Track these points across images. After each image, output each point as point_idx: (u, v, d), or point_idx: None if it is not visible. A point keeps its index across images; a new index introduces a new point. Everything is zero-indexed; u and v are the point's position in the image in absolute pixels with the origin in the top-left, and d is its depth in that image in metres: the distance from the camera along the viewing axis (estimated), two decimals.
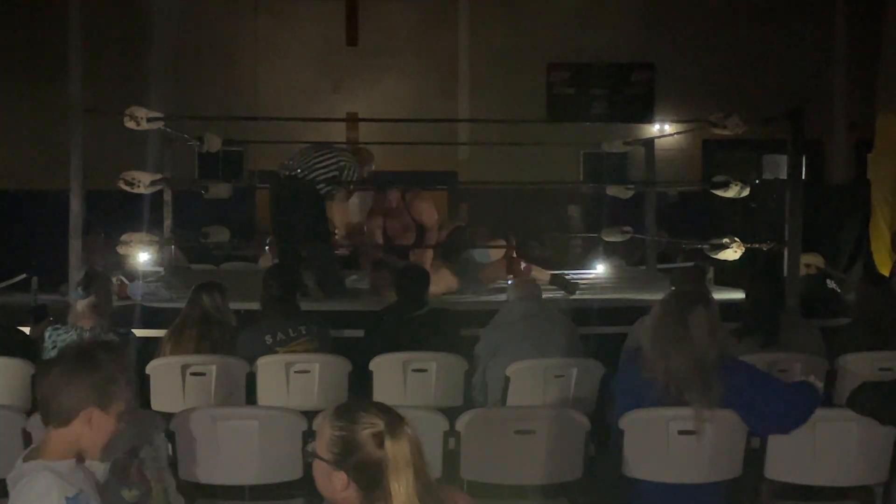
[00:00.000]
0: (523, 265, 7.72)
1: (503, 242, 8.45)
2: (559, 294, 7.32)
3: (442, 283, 7.27)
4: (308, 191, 7.07)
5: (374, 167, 7.85)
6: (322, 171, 7.11)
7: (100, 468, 2.74)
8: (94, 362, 2.71)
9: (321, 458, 2.35)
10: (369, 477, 2.30)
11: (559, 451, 3.86)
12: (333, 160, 7.20)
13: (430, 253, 7.83)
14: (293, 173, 7.14)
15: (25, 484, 2.63)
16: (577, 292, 7.51)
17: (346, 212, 7.82)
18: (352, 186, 7.49)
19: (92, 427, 2.69)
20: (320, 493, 2.42)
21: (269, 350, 5.05)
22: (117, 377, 2.73)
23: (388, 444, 2.29)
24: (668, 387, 3.61)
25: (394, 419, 2.35)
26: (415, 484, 2.29)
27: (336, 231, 7.71)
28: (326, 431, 2.36)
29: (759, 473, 3.81)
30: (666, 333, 3.65)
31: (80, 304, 4.98)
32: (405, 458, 2.29)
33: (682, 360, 3.59)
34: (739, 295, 6.00)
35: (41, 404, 2.75)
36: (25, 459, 2.70)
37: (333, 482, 2.33)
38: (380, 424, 2.32)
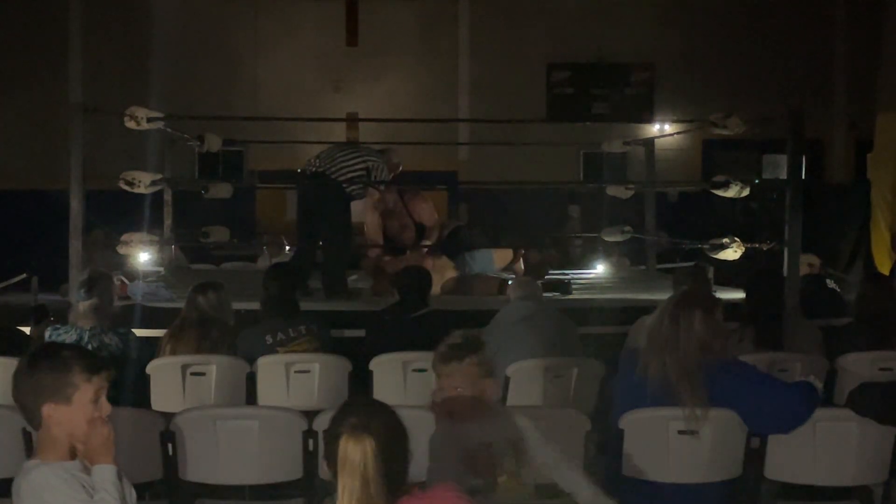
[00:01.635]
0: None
1: (508, 249, 8.44)
2: (556, 294, 7.33)
3: (444, 273, 7.29)
4: (333, 189, 7.04)
5: (401, 167, 7.84)
6: (348, 170, 7.09)
7: (103, 473, 2.71)
8: (37, 359, 2.73)
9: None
10: (336, 471, 2.37)
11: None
12: (360, 160, 7.17)
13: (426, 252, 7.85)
14: (318, 170, 7.11)
15: (23, 481, 2.67)
16: (574, 292, 7.52)
17: (377, 219, 7.83)
18: (382, 187, 7.47)
19: (61, 423, 2.68)
20: (321, 493, 2.46)
21: (270, 350, 5.05)
22: (66, 367, 2.70)
23: (342, 443, 2.35)
24: (662, 387, 3.61)
25: (360, 423, 2.38)
26: (360, 492, 2.32)
27: (367, 237, 7.74)
28: None
29: (759, 473, 3.81)
30: (660, 334, 3.66)
31: (82, 305, 4.99)
32: (353, 464, 2.33)
33: (673, 362, 3.60)
34: (739, 295, 6.00)
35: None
36: (28, 458, 2.74)
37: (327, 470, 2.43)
38: (348, 424, 2.35)
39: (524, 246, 8.61)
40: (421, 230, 7.98)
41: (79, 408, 2.69)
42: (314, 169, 7.17)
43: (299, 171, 7.28)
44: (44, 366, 2.70)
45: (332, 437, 2.39)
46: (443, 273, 7.38)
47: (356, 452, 2.34)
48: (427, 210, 7.97)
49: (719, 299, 3.91)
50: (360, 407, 2.46)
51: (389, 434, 2.41)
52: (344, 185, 7.07)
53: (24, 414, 2.74)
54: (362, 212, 8.06)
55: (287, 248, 9.55)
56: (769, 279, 5.61)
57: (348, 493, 2.33)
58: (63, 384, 2.68)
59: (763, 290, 5.34)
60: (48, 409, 2.67)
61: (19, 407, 2.75)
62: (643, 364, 3.68)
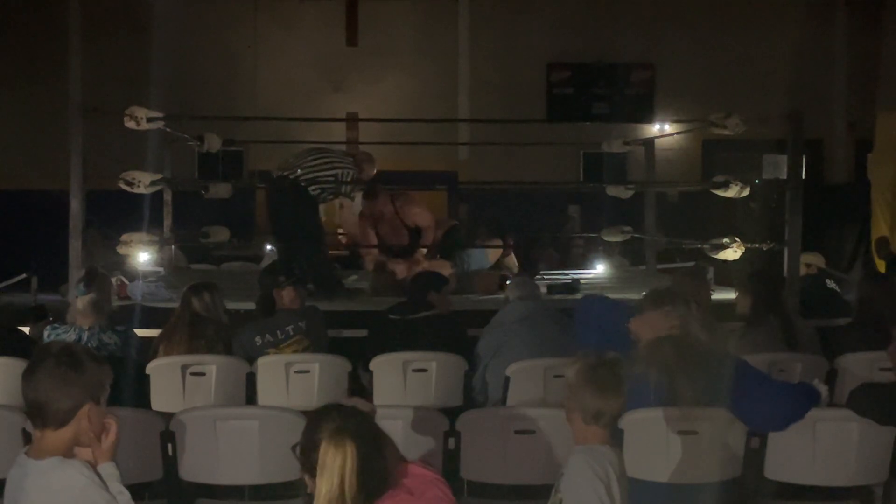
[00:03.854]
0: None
1: (500, 242, 8.45)
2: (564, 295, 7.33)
3: (442, 273, 7.30)
4: (299, 192, 7.04)
5: (375, 171, 7.82)
6: (317, 173, 7.09)
7: (111, 469, 2.77)
8: (79, 361, 2.74)
9: (297, 459, 2.43)
10: (314, 477, 2.39)
11: (559, 451, 3.85)
12: (328, 162, 7.17)
13: (421, 252, 7.84)
14: (286, 174, 7.12)
15: (44, 479, 2.66)
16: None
17: (354, 218, 7.81)
18: (350, 190, 7.43)
19: (91, 421, 2.72)
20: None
21: (259, 351, 5.05)
22: (99, 368, 2.78)
23: (322, 449, 2.36)
24: (655, 386, 3.61)
25: (339, 428, 2.39)
26: (338, 490, 2.34)
27: (342, 235, 7.69)
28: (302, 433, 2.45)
29: (759, 473, 3.81)
30: (643, 335, 3.69)
31: (81, 301, 4.98)
32: (332, 467, 2.35)
33: (660, 360, 3.60)
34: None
35: (35, 409, 2.74)
36: (36, 457, 2.71)
37: (307, 484, 2.41)
38: (330, 427, 2.37)
39: (515, 240, 8.60)
40: (417, 232, 7.96)
41: (103, 408, 2.77)
42: (280, 173, 7.17)
43: (275, 176, 7.27)
44: (90, 365, 2.74)
45: (311, 444, 2.40)
46: (441, 272, 7.38)
47: (337, 457, 2.36)
48: (420, 213, 7.94)
49: (693, 299, 3.92)
50: (336, 413, 2.47)
51: (367, 437, 2.44)
52: (311, 189, 7.07)
53: (54, 415, 2.69)
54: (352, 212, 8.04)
55: None
56: (768, 280, 5.57)
57: (325, 497, 2.35)
58: (101, 384, 2.76)
59: (762, 292, 5.32)
60: (88, 409, 2.71)
61: (45, 403, 2.69)
62: (630, 365, 3.68)
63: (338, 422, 2.41)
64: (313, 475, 2.38)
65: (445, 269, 7.59)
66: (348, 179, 7.21)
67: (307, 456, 2.40)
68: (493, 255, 8.18)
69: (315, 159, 7.19)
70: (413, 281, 5.68)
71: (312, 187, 7.09)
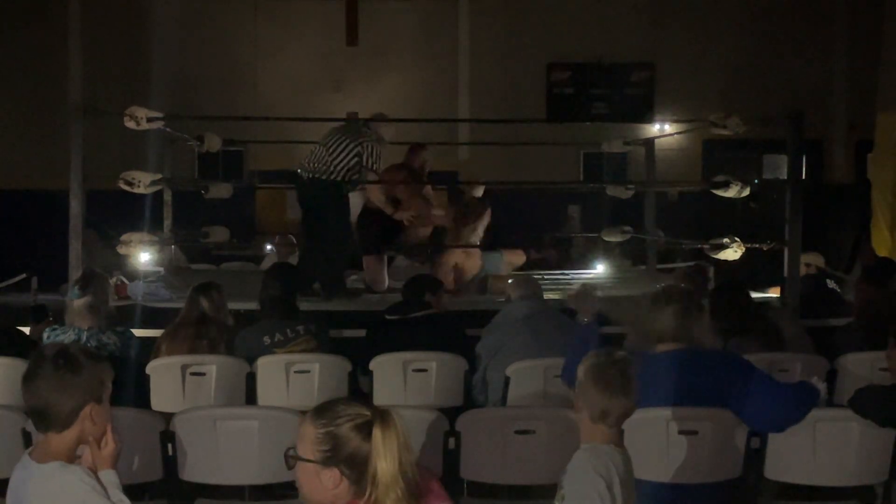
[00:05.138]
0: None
1: (519, 251, 8.40)
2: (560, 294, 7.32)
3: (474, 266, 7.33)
4: (329, 192, 6.99)
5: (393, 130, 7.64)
6: (341, 166, 7.01)
7: (111, 476, 2.77)
8: (77, 362, 2.72)
9: (307, 460, 2.35)
10: (360, 467, 2.31)
11: (559, 451, 3.85)
12: (348, 149, 7.05)
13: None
14: (314, 176, 7.04)
15: (45, 483, 2.66)
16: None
17: (380, 190, 7.64)
18: (375, 167, 7.26)
19: (94, 421, 2.72)
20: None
21: (267, 351, 5.04)
22: (97, 367, 2.77)
23: (377, 431, 2.31)
24: (651, 386, 3.62)
25: (382, 409, 2.36)
26: (399, 466, 2.30)
27: (377, 207, 7.56)
28: (310, 432, 2.37)
29: (759, 473, 3.81)
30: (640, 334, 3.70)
31: (76, 303, 4.97)
32: (392, 445, 2.31)
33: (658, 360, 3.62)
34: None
35: (36, 414, 2.74)
36: (39, 460, 2.70)
37: (324, 482, 2.34)
38: (366, 414, 2.34)
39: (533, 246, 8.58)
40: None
41: (106, 407, 2.76)
42: (309, 175, 7.10)
43: (298, 171, 7.22)
44: (88, 365, 2.73)
45: (339, 437, 2.32)
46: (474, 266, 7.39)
47: (391, 433, 2.31)
48: (430, 191, 7.95)
49: (690, 291, 3.93)
50: (353, 402, 2.42)
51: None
52: (341, 183, 7.01)
53: (56, 418, 2.69)
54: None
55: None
56: (725, 296, 5.46)
57: (384, 479, 2.29)
58: (101, 383, 2.75)
59: (722, 308, 5.25)
60: (89, 409, 2.70)
61: (45, 407, 2.69)
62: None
63: (365, 408, 2.36)
64: (349, 466, 2.31)
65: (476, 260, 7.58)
66: (374, 156, 7.05)
67: (335, 451, 2.32)
68: (515, 259, 8.13)
69: (334, 151, 7.04)
70: (408, 282, 5.67)
71: (342, 175, 6.99)
